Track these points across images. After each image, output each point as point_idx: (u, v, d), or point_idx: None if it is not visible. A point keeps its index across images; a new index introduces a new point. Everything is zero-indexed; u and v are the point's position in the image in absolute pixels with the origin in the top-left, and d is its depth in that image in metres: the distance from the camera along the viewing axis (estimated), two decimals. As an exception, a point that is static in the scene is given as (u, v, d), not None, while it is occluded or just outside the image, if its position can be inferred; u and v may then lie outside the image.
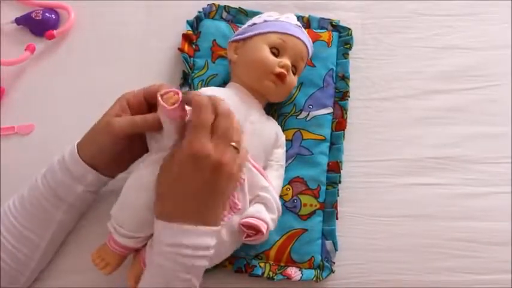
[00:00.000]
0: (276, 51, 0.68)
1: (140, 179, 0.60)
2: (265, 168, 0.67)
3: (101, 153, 0.62)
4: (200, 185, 0.54)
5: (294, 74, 0.70)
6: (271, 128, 0.69)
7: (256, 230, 0.61)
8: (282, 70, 0.66)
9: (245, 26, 0.72)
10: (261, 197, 0.63)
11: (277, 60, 0.67)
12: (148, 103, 0.64)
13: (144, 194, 0.58)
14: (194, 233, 0.54)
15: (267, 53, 0.67)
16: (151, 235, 0.59)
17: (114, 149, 0.62)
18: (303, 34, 0.71)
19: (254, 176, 0.63)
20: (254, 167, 0.64)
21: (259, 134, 0.66)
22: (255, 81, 0.67)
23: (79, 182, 0.62)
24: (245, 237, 0.62)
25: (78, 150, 0.62)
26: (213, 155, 0.53)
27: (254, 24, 0.71)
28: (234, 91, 0.68)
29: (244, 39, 0.70)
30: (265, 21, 0.71)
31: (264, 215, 0.62)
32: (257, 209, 0.62)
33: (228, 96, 0.65)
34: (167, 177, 0.56)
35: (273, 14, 0.73)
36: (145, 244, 0.61)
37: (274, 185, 0.66)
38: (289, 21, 0.71)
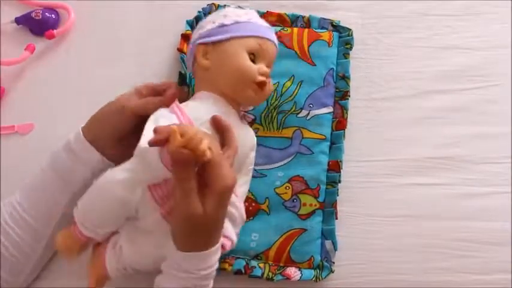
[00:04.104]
0: (253, 56, 0.64)
1: (109, 185, 0.57)
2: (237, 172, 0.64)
3: (109, 132, 0.62)
4: (224, 215, 0.57)
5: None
6: (249, 134, 0.66)
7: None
8: (263, 78, 0.63)
9: (211, 26, 0.65)
10: (228, 213, 0.60)
11: (257, 67, 0.63)
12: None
13: (107, 204, 0.57)
14: (209, 255, 0.56)
15: (248, 61, 0.62)
16: (113, 233, 0.61)
17: (124, 128, 0.62)
18: (275, 36, 0.68)
19: None
20: None
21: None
22: (235, 91, 0.63)
23: (84, 164, 0.63)
24: None
25: (84, 134, 0.62)
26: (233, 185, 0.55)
27: (223, 25, 0.64)
28: (213, 104, 0.62)
29: (216, 43, 0.64)
30: (236, 22, 0.64)
31: (230, 231, 0.61)
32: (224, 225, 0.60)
33: (210, 111, 0.61)
34: (194, 214, 0.54)
35: (238, 12, 0.66)
36: (107, 242, 0.61)
37: (240, 191, 0.64)
38: (260, 22, 0.67)
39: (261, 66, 0.63)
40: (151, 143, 0.52)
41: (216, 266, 0.58)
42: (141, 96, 0.64)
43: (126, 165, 0.58)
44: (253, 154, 0.66)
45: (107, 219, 0.59)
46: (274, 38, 0.67)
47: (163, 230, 0.57)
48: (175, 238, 0.56)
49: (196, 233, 0.55)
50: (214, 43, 0.64)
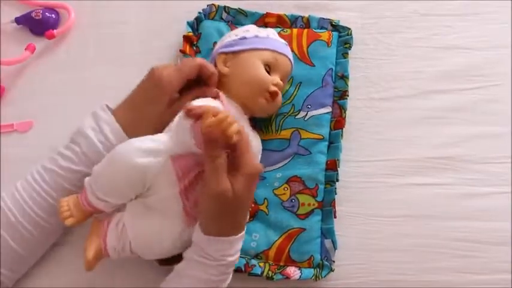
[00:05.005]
0: (268, 68, 0.69)
1: (131, 152, 0.58)
2: None
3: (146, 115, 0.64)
4: (250, 201, 0.59)
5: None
6: (257, 141, 0.71)
7: None
8: (276, 88, 0.68)
9: (233, 38, 0.72)
10: None
11: (271, 78, 0.69)
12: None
13: (125, 171, 0.58)
14: (234, 241, 0.58)
15: (262, 70, 0.69)
16: (115, 211, 0.62)
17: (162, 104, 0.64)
18: (291, 54, 0.73)
19: None
20: None
21: None
22: (249, 97, 0.68)
23: None
24: None
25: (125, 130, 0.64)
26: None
27: (244, 38, 0.71)
28: (230, 106, 0.67)
29: (235, 53, 0.70)
30: (256, 36, 0.71)
31: None
32: None
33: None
34: (227, 197, 0.55)
35: (259, 29, 0.74)
36: (109, 219, 0.63)
37: None
38: (277, 39, 0.73)
39: (275, 78, 0.69)
40: (186, 113, 0.55)
41: (239, 254, 0.59)
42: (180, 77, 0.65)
43: (154, 136, 0.61)
44: (258, 159, 0.71)
45: (120, 187, 0.59)
46: (290, 55, 0.72)
47: (173, 210, 0.59)
48: (203, 220, 0.57)
49: (224, 214, 0.56)
50: (234, 53, 0.70)
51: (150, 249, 0.61)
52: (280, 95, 0.70)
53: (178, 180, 0.59)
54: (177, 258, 0.61)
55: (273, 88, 0.68)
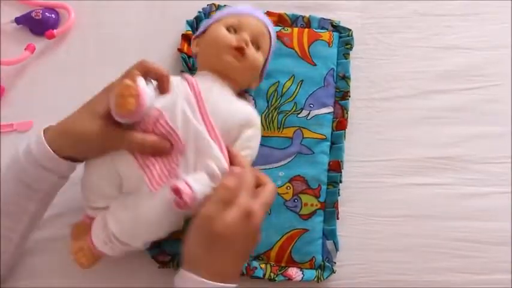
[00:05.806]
0: (233, 30, 0.68)
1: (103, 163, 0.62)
2: None
3: (81, 143, 0.61)
4: (243, 245, 0.56)
5: (258, 50, 0.69)
6: (242, 109, 0.66)
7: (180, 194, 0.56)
8: (240, 43, 0.65)
9: (204, 23, 0.74)
10: (209, 167, 0.59)
11: (235, 35, 0.67)
12: None
13: (97, 166, 0.62)
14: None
15: (223, 31, 0.67)
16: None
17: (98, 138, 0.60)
18: (259, 13, 0.71)
19: (207, 144, 0.60)
20: (212, 136, 0.61)
21: (219, 115, 0.62)
22: (216, 60, 0.66)
23: (53, 173, 0.61)
24: (175, 204, 0.57)
25: (50, 145, 0.60)
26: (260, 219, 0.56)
27: (212, 16, 0.73)
28: (201, 76, 0.67)
29: (204, 32, 0.71)
30: (220, 10, 0.73)
31: (195, 183, 0.57)
32: (197, 176, 0.59)
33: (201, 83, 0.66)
34: (211, 231, 0.54)
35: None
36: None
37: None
38: (244, 6, 0.72)
39: (241, 34, 0.67)
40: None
41: None
42: None
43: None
44: (250, 132, 0.65)
45: (99, 185, 0.62)
46: (259, 14, 0.71)
47: (140, 184, 0.60)
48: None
49: (207, 246, 0.54)
50: (203, 32, 0.71)
51: (135, 232, 0.61)
52: (250, 51, 0.66)
53: (135, 156, 0.60)
54: (177, 262, 0.61)
55: (236, 43, 0.65)
